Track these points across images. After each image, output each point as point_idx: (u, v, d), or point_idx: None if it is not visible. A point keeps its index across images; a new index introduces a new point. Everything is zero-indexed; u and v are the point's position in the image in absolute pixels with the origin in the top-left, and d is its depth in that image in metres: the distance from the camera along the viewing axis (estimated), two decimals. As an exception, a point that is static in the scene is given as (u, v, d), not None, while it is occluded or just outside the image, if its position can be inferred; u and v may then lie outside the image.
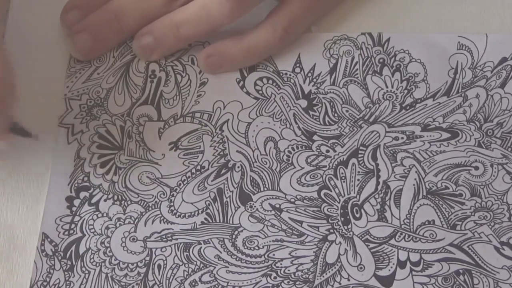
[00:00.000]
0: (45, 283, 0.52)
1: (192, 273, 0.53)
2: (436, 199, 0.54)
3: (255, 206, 0.54)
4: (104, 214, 0.54)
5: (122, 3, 0.57)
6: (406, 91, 0.57)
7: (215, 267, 0.53)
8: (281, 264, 0.53)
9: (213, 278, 0.52)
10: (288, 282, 0.52)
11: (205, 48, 0.58)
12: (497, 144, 0.56)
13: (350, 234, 0.54)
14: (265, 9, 0.58)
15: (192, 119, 0.57)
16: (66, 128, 0.57)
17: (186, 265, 0.53)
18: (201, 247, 0.53)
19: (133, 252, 0.53)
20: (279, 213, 0.54)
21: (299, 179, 0.55)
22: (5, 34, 0.60)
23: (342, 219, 0.54)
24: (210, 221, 0.54)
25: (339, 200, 0.55)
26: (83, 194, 0.55)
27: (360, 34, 0.59)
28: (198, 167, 0.56)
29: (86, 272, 0.53)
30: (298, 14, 0.57)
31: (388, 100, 0.57)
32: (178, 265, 0.53)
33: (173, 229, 0.54)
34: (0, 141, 0.50)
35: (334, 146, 0.56)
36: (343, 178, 0.55)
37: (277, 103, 0.57)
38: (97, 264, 0.53)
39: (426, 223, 0.54)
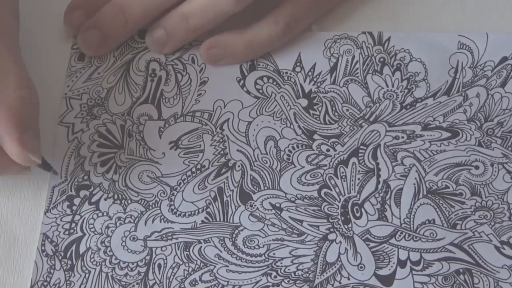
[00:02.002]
0: (45, 283, 0.52)
1: (192, 272, 0.53)
2: (437, 198, 0.54)
3: (255, 205, 0.54)
4: (104, 213, 0.54)
5: None
6: (406, 90, 0.57)
7: (215, 266, 0.53)
8: (281, 263, 0.53)
9: (214, 277, 0.52)
10: (288, 281, 0.52)
11: (207, 40, 0.58)
12: (498, 144, 0.56)
13: (350, 233, 0.54)
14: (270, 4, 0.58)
15: (193, 118, 0.57)
16: (66, 127, 0.57)
17: (187, 264, 0.53)
18: (201, 246, 0.53)
19: (133, 251, 0.53)
20: (279, 212, 0.54)
21: (299, 178, 0.55)
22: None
23: (343, 218, 0.54)
24: (211, 220, 0.54)
25: (340, 199, 0.55)
26: (83, 193, 0.55)
27: (361, 33, 0.59)
28: (199, 166, 0.56)
29: (87, 271, 0.53)
30: (302, 9, 0.57)
31: (388, 99, 0.57)
32: (178, 264, 0.53)
33: (173, 228, 0.54)
34: (32, 156, 0.50)
35: (334, 145, 0.56)
36: (343, 177, 0.55)
37: (277, 102, 0.57)
38: (98, 264, 0.53)
39: (427, 222, 0.54)
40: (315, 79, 0.58)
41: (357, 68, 0.58)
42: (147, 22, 0.58)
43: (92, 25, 0.58)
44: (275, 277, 0.52)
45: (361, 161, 0.55)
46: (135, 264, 0.53)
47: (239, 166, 0.56)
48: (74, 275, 0.53)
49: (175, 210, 0.54)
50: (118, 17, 0.58)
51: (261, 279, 0.52)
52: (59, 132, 0.57)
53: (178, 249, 0.53)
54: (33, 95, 0.50)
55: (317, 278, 0.52)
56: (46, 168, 0.54)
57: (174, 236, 0.53)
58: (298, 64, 0.58)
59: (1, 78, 0.49)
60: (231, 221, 0.54)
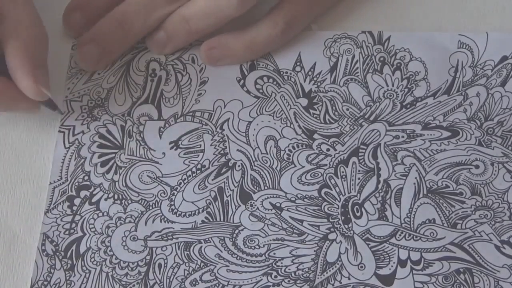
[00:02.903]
0: (45, 283, 0.52)
1: (192, 272, 0.53)
2: (437, 197, 0.54)
3: (255, 205, 0.54)
4: (105, 214, 0.54)
5: (125, 9, 0.57)
6: (406, 90, 0.57)
7: (215, 266, 0.53)
8: (281, 263, 0.53)
9: (214, 277, 0.52)
10: (289, 281, 0.52)
11: (207, 40, 0.58)
12: (498, 143, 0.56)
13: (350, 233, 0.53)
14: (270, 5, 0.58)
15: (193, 118, 0.57)
16: (67, 129, 0.57)
17: (187, 264, 0.53)
18: (201, 246, 0.53)
19: (133, 251, 0.53)
20: (279, 212, 0.54)
21: (299, 178, 0.55)
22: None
23: (343, 218, 0.54)
24: (211, 220, 0.54)
25: (340, 199, 0.54)
26: (83, 193, 0.55)
27: (361, 33, 0.59)
28: (199, 166, 0.55)
29: (87, 271, 0.53)
30: (300, 9, 0.57)
31: (388, 98, 0.57)
32: (178, 264, 0.53)
33: (173, 228, 0.54)
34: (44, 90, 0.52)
35: (334, 144, 0.56)
36: (343, 176, 0.55)
37: (277, 101, 0.57)
38: (98, 264, 0.53)
39: (427, 222, 0.54)
40: (315, 78, 0.58)
41: (357, 68, 0.58)
42: (146, 33, 0.58)
43: (90, 39, 0.57)
44: (276, 277, 0.52)
45: (361, 161, 0.55)
46: (136, 264, 0.53)
47: (239, 165, 0.55)
48: (75, 275, 0.53)
49: (175, 210, 0.54)
50: (117, 31, 0.57)
51: (262, 279, 0.52)
52: (59, 138, 0.57)
53: (179, 249, 0.53)
54: (44, 34, 0.53)
55: (318, 278, 0.52)
56: (51, 107, 0.55)
57: (174, 236, 0.53)
58: (298, 63, 0.58)
59: (15, 13, 0.51)
60: (231, 221, 0.54)
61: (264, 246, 0.53)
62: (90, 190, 0.55)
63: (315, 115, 0.57)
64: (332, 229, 0.54)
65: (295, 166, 0.55)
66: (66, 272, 0.53)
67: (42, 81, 0.51)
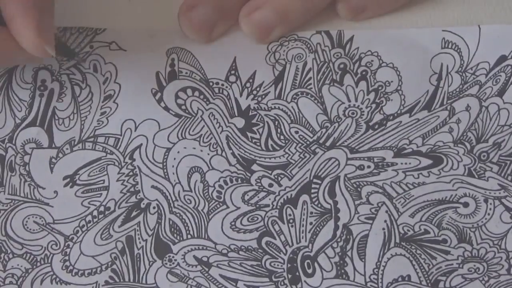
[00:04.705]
0: None
1: None
2: (413, 247, 0.49)
3: (175, 260, 0.50)
4: (-23, 273, 0.49)
5: None
6: (374, 106, 0.52)
7: None
8: None
9: None
10: None
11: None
12: (493, 172, 0.50)
13: (300, 298, 0.50)
14: None
15: (94, 145, 0.52)
16: None
17: None
18: (104, 317, 0.49)
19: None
20: (207, 269, 0.49)
21: (233, 223, 0.50)
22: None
23: (290, 276, 0.49)
24: (117, 280, 0.49)
25: (286, 251, 0.50)
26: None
27: (315, 33, 0.53)
28: (102, 209, 0.51)
29: None
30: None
31: (350, 117, 0.52)
32: None
33: (69, 292, 0.50)
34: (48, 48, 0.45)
35: (279, 178, 0.51)
36: (291, 221, 0.50)
37: (205, 122, 0.52)
38: None
39: (400, 279, 0.49)
40: (254, 92, 0.52)
41: (310, 78, 0.52)
42: None
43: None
44: None
45: (314, 200, 0.50)
46: None
47: (154, 207, 0.50)
48: None
49: (70, 268, 0.50)
50: None
51: None
52: None
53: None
54: None
55: None
56: (68, 55, 0.51)
57: (69, 303, 0.49)
58: (232, 72, 0.53)
59: None
60: (143, 282, 0.49)
61: (185, 314, 0.49)
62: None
63: (254, 140, 0.52)
64: (275, 292, 0.50)
65: (228, 207, 0.50)
66: None
67: (47, 36, 0.45)
